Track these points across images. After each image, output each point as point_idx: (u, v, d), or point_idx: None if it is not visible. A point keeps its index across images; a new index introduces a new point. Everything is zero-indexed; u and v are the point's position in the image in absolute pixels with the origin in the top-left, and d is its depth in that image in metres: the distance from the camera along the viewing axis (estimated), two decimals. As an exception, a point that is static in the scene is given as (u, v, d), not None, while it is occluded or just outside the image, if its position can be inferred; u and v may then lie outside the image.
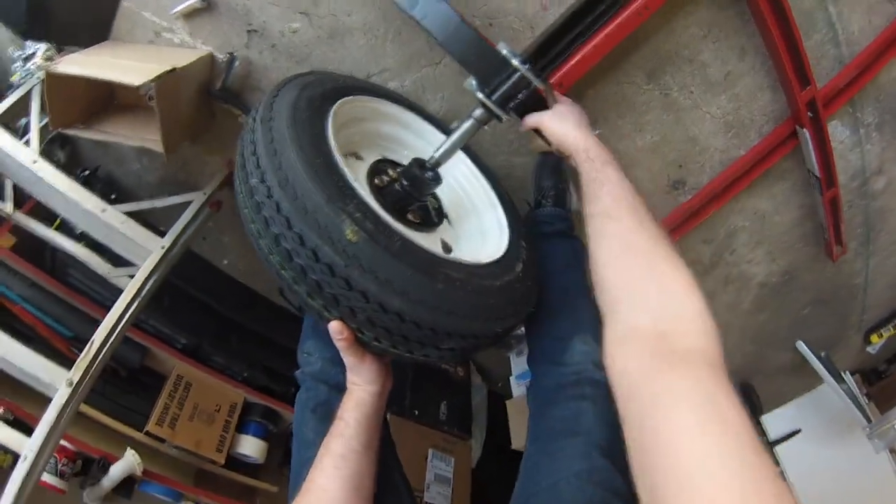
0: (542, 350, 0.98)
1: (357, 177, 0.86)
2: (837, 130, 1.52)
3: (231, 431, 1.56)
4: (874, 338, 2.27)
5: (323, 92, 0.89)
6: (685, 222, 1.61)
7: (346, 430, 0.77)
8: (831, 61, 1.38)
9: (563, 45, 1.03)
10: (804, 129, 1.40)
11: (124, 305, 1.22)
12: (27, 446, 1.05)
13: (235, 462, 1.59)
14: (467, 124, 0.95)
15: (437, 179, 0.95)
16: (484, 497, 1.74)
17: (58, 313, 1.43)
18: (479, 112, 0.94)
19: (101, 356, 1.17)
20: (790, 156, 1.52)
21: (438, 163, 0.95)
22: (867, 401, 2.20)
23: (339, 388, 0.90)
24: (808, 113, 1.38)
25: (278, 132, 0.74)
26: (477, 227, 1.06)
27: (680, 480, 0.41)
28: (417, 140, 1.11)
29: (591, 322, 0.96)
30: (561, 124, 0.88)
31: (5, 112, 1.22)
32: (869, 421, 2.01)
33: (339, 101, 0.91)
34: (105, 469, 1.31)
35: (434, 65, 1.32)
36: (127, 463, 1.31)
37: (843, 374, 2.18)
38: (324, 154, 0.75)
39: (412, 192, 0.92)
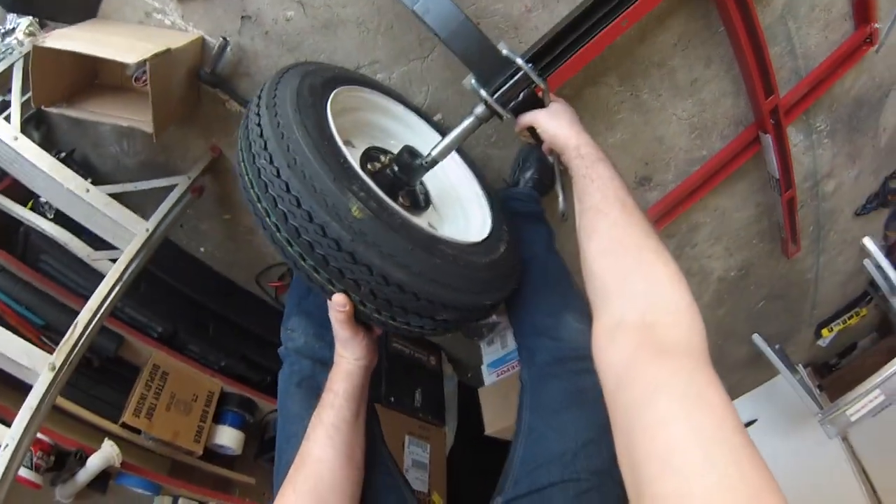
0: (533, 325, 1.00)
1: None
2: (791, 135, 1.64)
3: (208, 422, 1.54)
4: (825, 332, 2.43)
5: (323, 80, 0.93)
6: (657, 222, 1.70)
7: (336, 400, 0.80)
8: (788, 72, 1.51)
9: (563, 48, 1.07)
10: (767, 135, 1.53)
11: (108, 288, 1.20)
12: (8, 434, 1.02)
13: (212, 454, 1.57)
14: (468, 122, 0.97)
15: (426, 166, 0.99)
16: (457, 483, 1.79)
17: (29, 301, 1.37)
18: (480, 110, 0.96)
19: (83, 340, 1.15)
20: (751, 157, 1.64)
21: (436, 160, 0.98)
22: (820, 392, 2.37)
23: (324, 363, 0.93)
24: (771, 120, 1.50)
25: (284, 116, 0.77)
26: (461, 212, 1.12)
27: (661, 459, 0.42)
28: (405, 130, 1.17)
29: (579, 301, 1.02)
30: (555, 122, 0.91)
31: (-15, 87, 1.19)
32: (821, 408, 2.14)
33: (337, 89, 0.95)
34: (82, 461, 1.26)
35: (421, 59, 1.37)
36: (105, 454, 1.27)
37: (796, 366, 2.33)
38: (327, 138, 0.79)
39: (403, 177, 0.97)
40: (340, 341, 0.83)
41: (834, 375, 2.61)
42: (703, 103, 1.53)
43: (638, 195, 1.70)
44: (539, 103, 1.00)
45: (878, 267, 2.11)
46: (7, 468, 0.99)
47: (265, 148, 0.75)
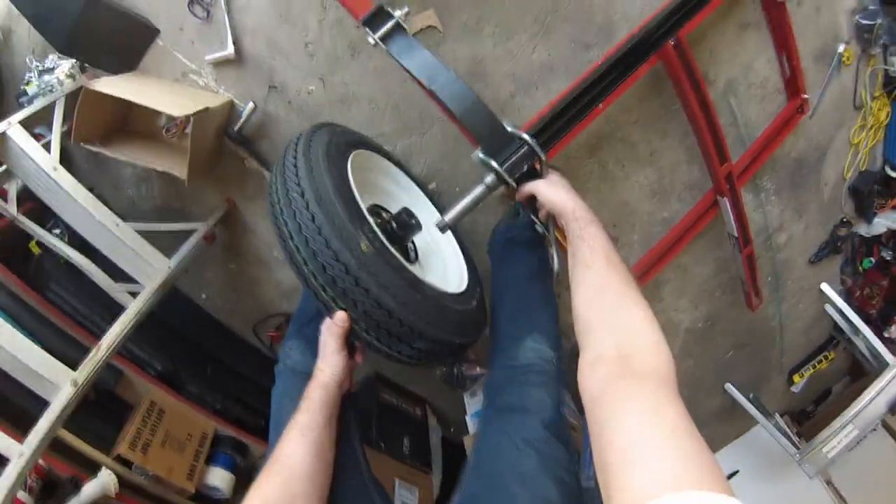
0: (498, 349, 1.13)
1: None
2: (742, 195, 1.80)
3: (201, 462, 1.54)
4: (796, 378, 2.52)
5: (347, 141, 1.13)
6: None
7: (312, 405, 0.89)
8: (734, 140, 1.73)
9: (560, 125, 1.21)
10: (724, 198, 1.70)
11: (131, 316, 1.28)
12: (24, 444, 1.06)
13: (202, 497, 1.54)
14: (479, 189, 1.06)
15: (419, 226, 1.18)
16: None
17: (32, 326, 1.41)
18: (490, 179, 1.05)
19: (101, 362, 1.20)
20: (711, 219, 1.81)
21: (448, 225, 1.08)
22: (798, 438, 2.37)
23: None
24: (727, 184, 1.68)
25: (316, 162, 0.96)
26: (442, 267, 1.30)
27: (624, 453, 0.50)
28: (405, 195, 1.37)
29: (545, 325, 1.14)
30: (554, 190, 1.00)
31: (27, 118, 1.30)
32: (798, 449, 2.20)
33: (357, 150, 1.15)
34: (77, 488, 1.25)
35: (421, 134, 1.56)
36: (101, 482, 1.27)
37: (772, 413, 2.40)
38: (347, 186, 0.98)
39: (399, 232, 1.15)
40: (326, 354, 0.94)
41: (811, 422, 2.65)
42: (661, 170, 1.74)
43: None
44: (537, 174, 1.12)
45: (839, 311, 2.25)
46: (17, 479, 1.02)
47: (298, 184, 0.92)
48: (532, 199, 1.19)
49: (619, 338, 0.67)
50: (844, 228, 2.13)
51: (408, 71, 1.10)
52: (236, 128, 1.49)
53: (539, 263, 1.41)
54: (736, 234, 1.81)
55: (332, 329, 0.91)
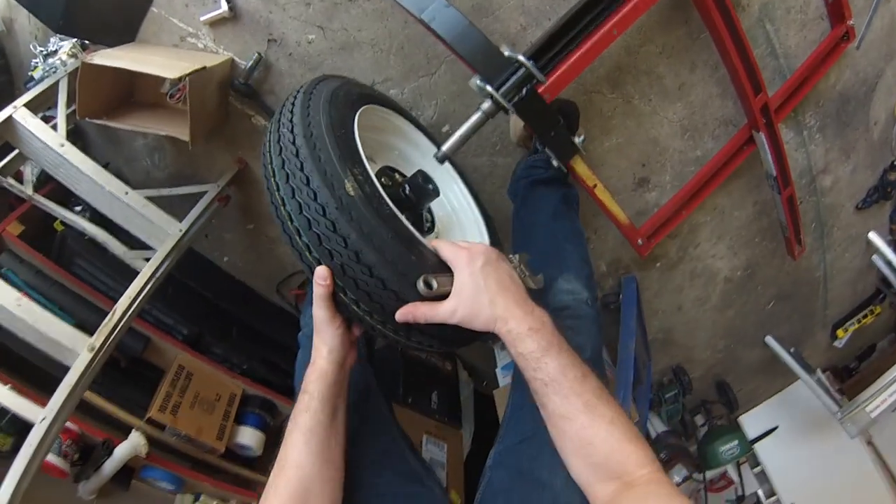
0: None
1: None
2: (783, 133, 1.69)
3: (230, 421, 1.59)
4: (840, 332, 2.42)
5: (360, 92, 1.03)
6: (661, 228, 1.72)
7: (312, 402, 0.79)
8: (772, 73, 1.60)
9: (557, 49, 1.15)
10: (760, 133, 1.57)
11: (144, 280, 1.30)
12: (46, 409, 1.09)
13: (233, 455, 1.60)
14: (476, 117, 1.04)
15: (436, 192, 1.03)
16: (475, 487, 1.79)
17: (61, 301, 1.46)
18: (487, 105, 1.03)
19: (119, 327, 1.23)
20: (748, 157, 1.68)
21: (446, 155, 1.04)
22: (840, 396, 2.32)
23: None
24: (763, 118, 1.54)
25: (315, 102, 0.86)
26: (461, 238, 1.18)
27: None
28: (422, 158, 1.23)
29: (576, 263, 1.08)
30: (466, 310, 0.76)
31: (32, 100, 1.31)
32: (840, 407, 2.12)
33: (370, 105, 1.03)
34: (109, 451, 1.31)
35: (430, 75, 1.49)
36: (132, 444, 1.32)
37: (813, 368, 2.32)
38: (346, 129, 0.87)
39: (412, 198, 1.01)
40: (318, 324, 0.83)
41: (854, 379, 2.58)
42: (692, 106, 1.62)
43: (637, 196, 1.78)
44: (542, 105, 1.07)
45: (888, 262, 2.11)
46: (41, 442, 1.05)
47: (290, 120, 0.83)
48: (549, 138, 1.13)
49: (618, 475, 0.67)
50: (895, 173, 1.97)
51: (399, 4, 1.05)
52: (242, 79, 1.45)
53: (563, 199, 1.35)
54: (774, 174, 1.68)
55: (317, 293, 0.79)
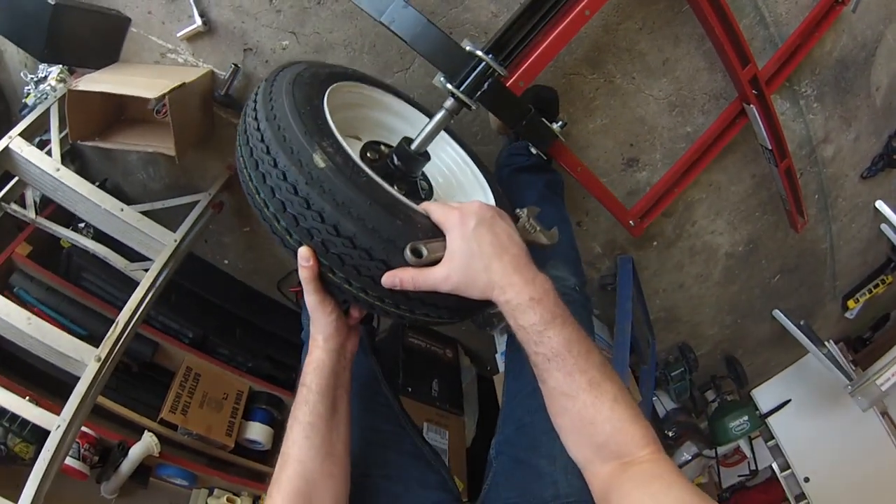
0: None
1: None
2: (777, 104, 1.65)
3: (238, 418, 1.66)
4: (851, 303, 2.36)
5: (330, 72, 1.00)
6: (653, 208, 1.71)
7: (310, 396, 0.76)
8: (762, 42, 1.55)
9: (519, 38, 1.14)
10: (751, 106, 1.53)
11: (143, 291, 1.36)
12: (59, 417, 1.16)
13: (244, 449, 1.69)
14: (440, 115, 1.02)
15: (426, 156, 1.00)
16: (481, 472, 1.84)
17: (72, 314, 1.56)
18: (449, 103, 1.02)
19: (124, 337, 1.29)
20: (740, 130, 1.65)
21: (418, 150, 1.02)
22: (854, 367, 2.26)
23: None
24: (753, 90, 1.50)
25: (278, 87, 0.84)
26: (464, 199, 1.13)
27: None
28: (408, 127, 1.18)
29: (562, 249, 1.06)
30: (460, 277, 0.70)
31: (27, 128, 1.37)
32: (850, 380, 2.08)
33: (341, 82, 1.01)
34: (125, 452, 1.40)
35: (405, 70, 1.50)
36: (145, 444, 1.41)
37: (824, 341, 2.26)
38: (313, 106, 0.84)
39: (402, 167, 0.98)
40: (311, 312, 0.80)
41: (867, 349, 2.52)
42: (678, 81, 1.58)
43: (627, 176, 1.76)
44: (506, 97, 1.07)
45: None
46: (58, 447, 1.13)
47: (254, 108, 0.81)
48: (525, 128, 1.11)
49: (618, 455, 0.65)
50: (901, 139, 1.89)
51: (359, 7, 1.05)
52: (222, 91, 1.49)
53: (546, 185, 1.34)
54: (769, 146, 1.64)
55: (303, 277, 0.74)
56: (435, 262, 0.71)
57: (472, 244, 0.70)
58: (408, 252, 0.70)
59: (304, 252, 0.72)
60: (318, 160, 0.72)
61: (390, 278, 0.70)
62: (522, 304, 0.66)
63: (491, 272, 0.68)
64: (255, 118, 0.80)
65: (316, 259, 0.72)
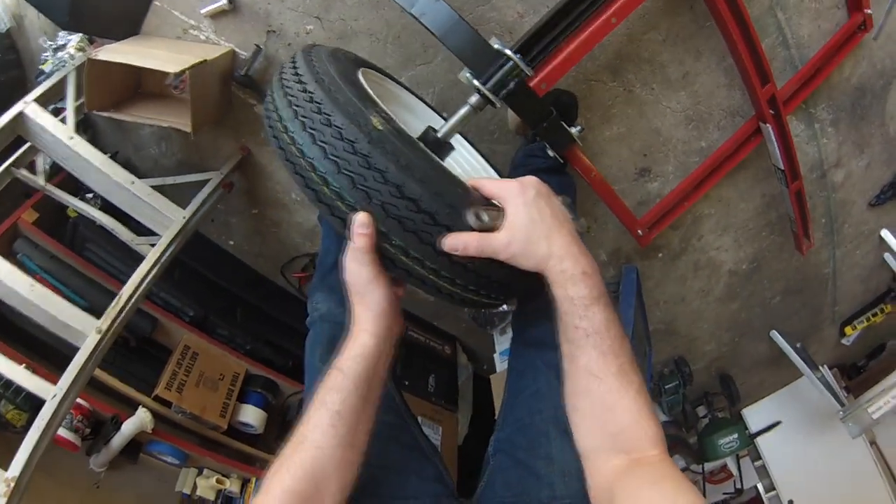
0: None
1: None
2: (792, 125, 1.66)
3: (233, 399, 1.66)
4: (848, 330, 2.37)
5: (356, 57, 1.02)
6: (662, 219, 1.72)
7: (345, 382, 0.71)
8: (782, 62, 1.55)
9: (547, 41, 1.18)
10: (767, 125, 1.54)
11: (149, 266, 1.36)
12: (56, 387, 1.16)
13: (236, 432, 1.68)
14: (464, 110, 1.03)
15: (450, 146, 1.02)
16: (470, 471, 1.85)
17: (74, 284, 1.55)
18: (474, 99, 1.03)
19: (126, 310, 1.29)
20: (754, 149, 1.65)
21: (445, 138, 1.02)
22: (846, 394, 2.30)
23: (344, 325, 0.99)
24: (770, 110, 1.51)
25: (318, 56, 0.82)
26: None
27: None
28: (421, 124, 1.16)
29: None
30: (520, 245, 0.69)
31: (42, 94, 1.36)
32: (843, 406, 2.10)
33: (367, 69, 1.03)
34: (117, 426, 1.40)
35: (427, 63, 1.50)
36: (139, 419, 1.40)
37: (819, 365, 2.27)
38: (355, 76, 0.84)
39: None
40: (359, 287, 0.73)
41: (861, 377, 2.55)
42: (696, 95, 1.59)
43: (638, 186, 1.76)
44: (531, 97, 1.08)
45: None
46: (52, 416, 1.13)
47: (296, 73, 0.77)
48: (544, 130, 1.12)
49: (629, 450, 0.64)
50: (911, 169, 1.90)
51: None
52: (242, 71, 1.48)
53: (559, 188, 1.34)
54: (782, 167, 1.65)
55: (359, 246, 0.69)
56: (493, 230, 0.70)
57: (533, 213, 0.70)
58: (471, 216, 0.69)
59: (363, 217, 0.67)
60: (377, 122, 0.69)
61: (454, 240, 0.68)
62: (576, 275, 0.67)
63: (551, 241, 0.69)
64: (301, 81, 0.76)
65: (375, 226, 0.68)
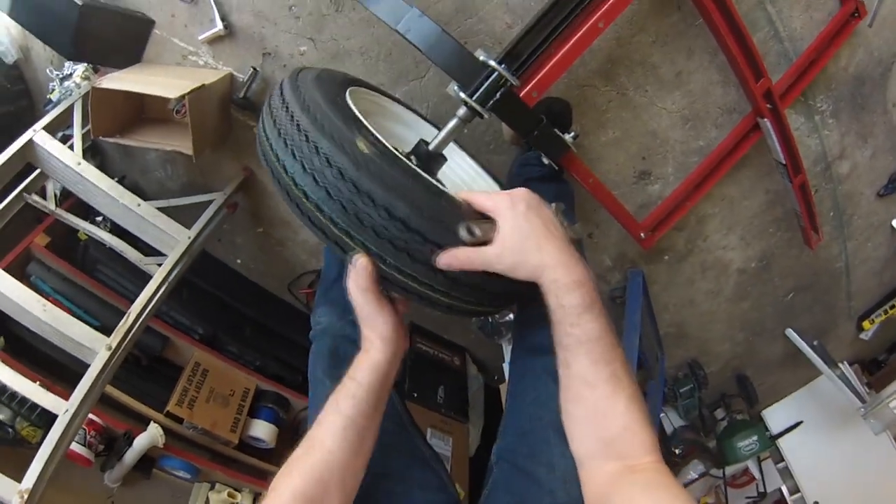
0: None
1: None
2: (792, 119, 1.64)
3: (244, 415, 1.68)
4: (866, 324, 2.32)
5: (344, 77, 1.04)
6: (664, 221, 1.70)
7: (359, 391, 0.74)
8: (776, 56, 1.54)
9: (533, 48, 1.17)
10: (765, 120, 1.52)
11: (156, 285, 1.39)
12: (68, 402, 1.20)
13: (247, 446, 1.70)
14: (453, 123, 1.05)
15: (443, 158, 1.03)
16: (483, 480, 1.83)
17: (87, 305, 1.60)
18: (462, 111, 1.03)
19: (135, 328, 1.32)
20: (754, 145, 1.64)
21: (436, 150, 1.03)
22: (867, 389, 2.24)
23: (345, 337, 1.00)
24: (767, 104, 1.50)
25: (303, 82, 0.84)
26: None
27: None
28: (414, 136, 1.18)
29: None
30: (512, 256, 0.71)
31: (50, 123, 1.42)
32: (863, 402, 2.05)
33: (355, 87, 1.04)
34: (130, 442, 1.43)
35: (419, 79, 1.52)
36: (150, 435, 1.43)
37: (838, 362, 2.23)
38: (341, 99, 0.85)
39: (421, 167, 0.98)
40: (366, 319, 0.78)
41: (882, 372, 2.47)
42: (691, 94, 1.58)
43: (638, 189, 1.76)
44: (518, 106, 1.09)
45: None
46: (64, 431, 1.16)
47: (283, 101, 0.79)
48: (536, 139, 1.13)
49: (622, 456, 0.65)
50: (920, 156, 1.86)
51: (376, 16, 1.08)
52: (241, 94, 1.52)
53: (556, 196, 1.33)
54: (783, 161, 1.62)
55: (360, 285, 0.73)
56: (485, 243, 0.72)
57: (524, 225, 0.71)
58: (463, 231, 0.71)
59: (362, 261, 0.72)
60: (363, 146, 0.71)
61: (447, 258, 0.70)
62: (569, 284, 0.68)
63: (543, 252, 0.70)
64: (287, 110, 0.78)
65: (374, 265, 0.72)
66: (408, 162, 0.78)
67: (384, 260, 0.72)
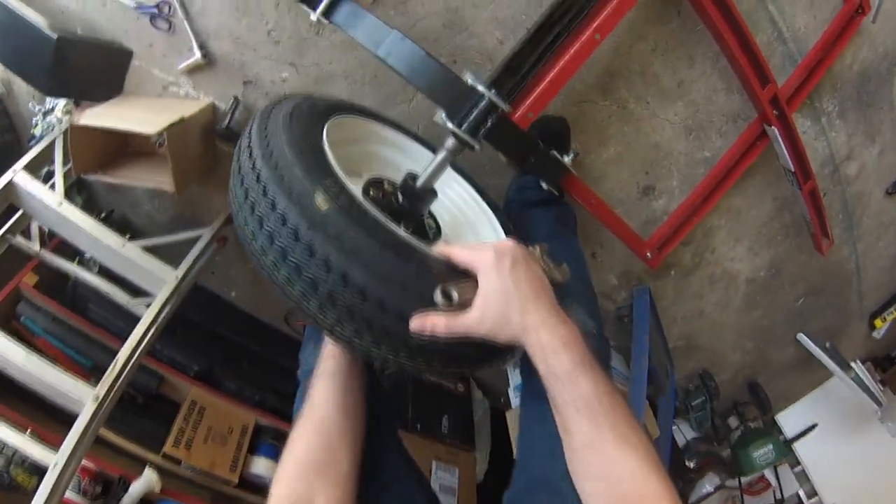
0: None
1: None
2: (798, 122, 1.59)
3: (243, 452, 1.63)
4: (878, 322, 2.28)
5: (328, 105, 0.96)
6: (671, 238, 1.65)
7: (333, 350, 0.81)
8: (781, 58, 1.49)
9: (526, 67, 1.11)
10: (772, 127, 1.47)
11: (144, 328, 1.34)
12: (57, 455, 1.16)
13: (250, 484, 1.66)
14: (441, 157, 0.97)
15: (433, 193, 0.96)
16: (491, 507, 1.79)
17: (78, 345, 1.55)
18: (450, 142, 0.95)
19: (123, 375, 1.29)
20: (761, 153, 1.59)
21: (425, 187, 0.97)
22: (882, 387, 2.20)
23: None
24: (774, 110, 1.44)
25: (274, 121, 0.79)
26: (473, 239, 1.11)
27: None
28: (410, 162, 1.14)
29: (578, 289, 1.00)
30: (493, 322, 0.66)
31: (31, 161, 1.38)
32: (880, 405, 2.01)
33: (340, 114, 0.97)
34: (125, 487, 1.39)
35: (408, 102, 1.46)
36: (146, 480, 1.39)
37: (851, 362, 2.19)
38: (313, 143, 0.79)
39: (408, 206, 0.94)
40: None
41: (895, 368, 2.43)
42: (694, 104, 1.52)
43: (643, 206, 1.69)
44: (512, 132, 1.04)
45: None
46: (55, 485, 1.12)
47: (249, 145, 0.76)
48: (533, 166, 1.09)
49: (630, 501, 0.61)
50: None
51: (357, 41, 1.03)
52: (224, 124, 1.47)
53: (557, 219, 1.30)
54: (792, 168, 1.56)
55: (332, 349, 0.81)
56: (463, 307, 0.67)
57: (508, 285, 0.66)
58: (439, 295, 0.66)
59: (329, 350, 0.80)
60: (321, 202, 0.66)
61: (419, 323, 0.66)
62: (556, 345, 0.64)
63: (526, 314, 0.65)
64: (250, 156, 0.75)
65: (339, 347, 0.80)
66: (377, 215, 0.72)
67: (342, 326, 0.68)
